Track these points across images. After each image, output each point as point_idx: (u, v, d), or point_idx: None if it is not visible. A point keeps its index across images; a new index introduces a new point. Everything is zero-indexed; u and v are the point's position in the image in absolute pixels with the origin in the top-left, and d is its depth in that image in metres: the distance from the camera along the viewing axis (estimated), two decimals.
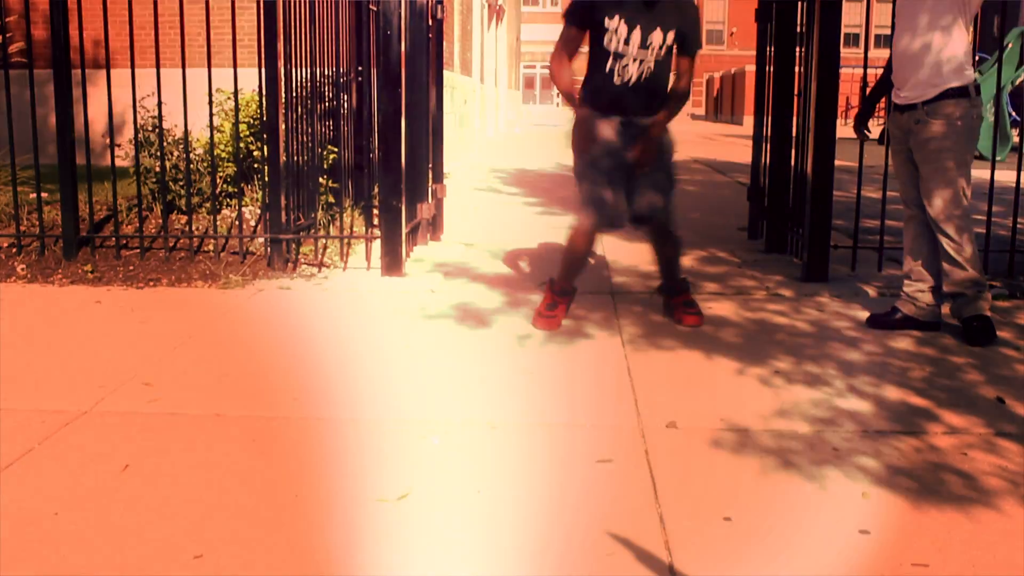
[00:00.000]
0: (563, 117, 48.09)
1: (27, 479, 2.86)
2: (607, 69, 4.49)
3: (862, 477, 2.92)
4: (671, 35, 4.46)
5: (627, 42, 4.43)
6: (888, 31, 6.11)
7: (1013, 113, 18.45)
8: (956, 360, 4.21)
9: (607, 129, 4.54)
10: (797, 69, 6.30)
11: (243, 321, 4.81)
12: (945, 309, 4.76)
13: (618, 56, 4.46)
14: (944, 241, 4.49)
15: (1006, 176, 7.02)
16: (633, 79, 4.49)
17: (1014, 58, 17.38)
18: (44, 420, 3.35)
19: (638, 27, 4.42)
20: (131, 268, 5.83)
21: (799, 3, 6.26)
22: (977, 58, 19.48)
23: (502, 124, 25.65)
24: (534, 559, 2.41)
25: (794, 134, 6.25)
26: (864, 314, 4.97)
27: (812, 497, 2.78)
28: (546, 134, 27.63)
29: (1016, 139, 18.00)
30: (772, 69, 6.67)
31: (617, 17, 4.42)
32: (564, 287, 4.80)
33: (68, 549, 2.43)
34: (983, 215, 5.81)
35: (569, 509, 2.68)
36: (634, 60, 4.46)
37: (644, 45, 4.44)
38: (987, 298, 4.56)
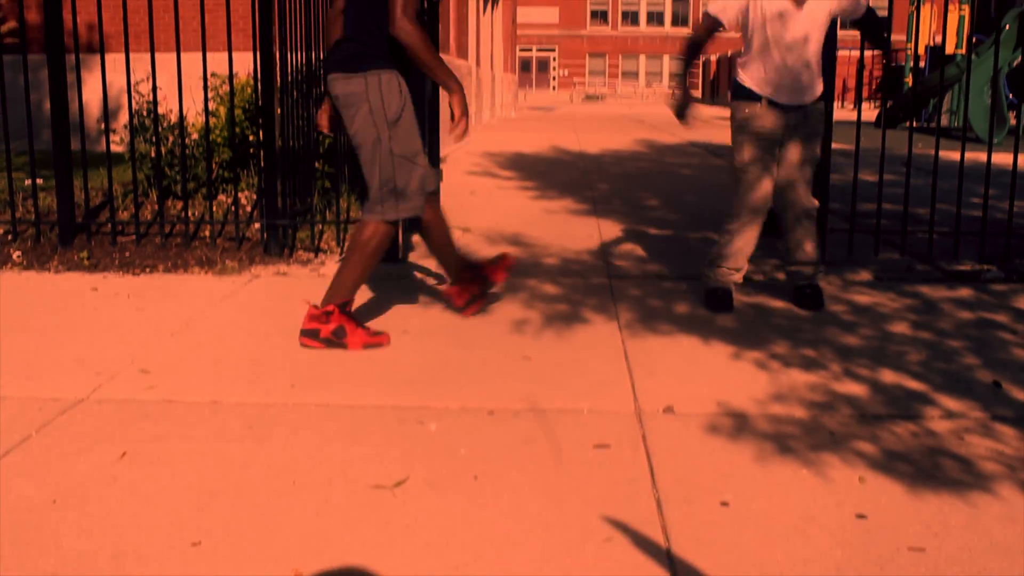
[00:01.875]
0: (558, 101, 48.05)
1: (24, 467, 2.86)
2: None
3: (859, 462, 2.92)
4: None
5: None
6: (885, 14, 6.10)
7: (1011, 95, 18.43)
8: (953, 344, 4.22)
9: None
10: None
11: (239, 307, 4.80)
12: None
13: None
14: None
15: (1003, 159, 7.02)
16: None
17: (1011, 40, 17.35)
18: (41, 407, 3.35)
19: None
20: (127, 254, 5.82)
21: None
22: (975, 39, 19.42)
23: (498, 108, 25.60)
24: (532, 545, 2.41)
25: None
26: (862, 299, 4.98)
27: (809, 481, 2.78)
28: (542, 118, 27.60)
29: (1013, 121, 17.98)
30: None
31: None
32: None
33: (66, 537, 2.43)
34: (980, 198, 5.81)
35: (567, 494, 2.69)
36: None
37: None
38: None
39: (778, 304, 4.89)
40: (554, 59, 57.48)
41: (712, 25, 4.63)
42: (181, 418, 3.28)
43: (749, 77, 4.62)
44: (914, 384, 3.67)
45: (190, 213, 6.31)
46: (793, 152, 4.64)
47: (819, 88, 4.67)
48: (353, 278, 4.10)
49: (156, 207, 6.41)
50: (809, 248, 4.74)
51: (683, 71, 4.80)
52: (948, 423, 3.28)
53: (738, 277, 4.79)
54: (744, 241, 4.70)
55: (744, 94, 4.63)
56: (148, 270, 5.55)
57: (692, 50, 4.75)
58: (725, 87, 41.17)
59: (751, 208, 4.63)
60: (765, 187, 4.61)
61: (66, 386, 3.58)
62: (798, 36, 4.49)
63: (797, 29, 4.48)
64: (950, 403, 3.47)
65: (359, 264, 4.08)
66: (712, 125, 16.70)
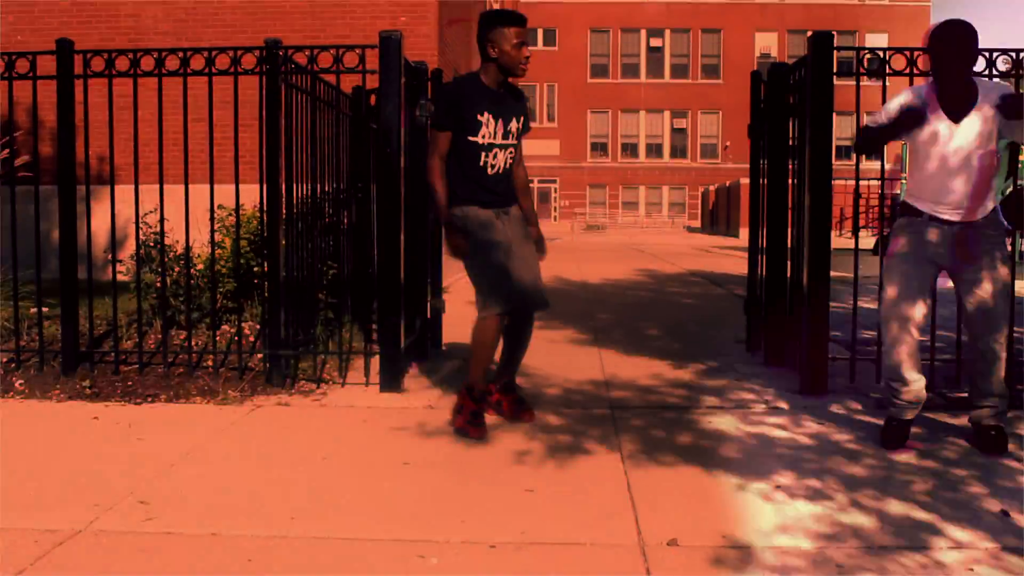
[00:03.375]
0: (560, 231, 48.55)
1: None
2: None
3: None
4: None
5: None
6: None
7: (1004, 222, 18.65)
8: (959, 472, 4.18)
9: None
10: (790, 181, 6.39)
11: (241, 438, 4.78)
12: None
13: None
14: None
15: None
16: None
17: (1003, 169, 17.65)
18: (37, 540, 3.31)
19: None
20: (129, 383, 5.83)
21: (790, 118, 6.39)
22: None
23: None
24: None
25: (789, 246, 6.31)
26: (864, 427, 4.96)
27: None
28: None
29: (1009, 248, 18.13)
30: (766, 182, 6.77)
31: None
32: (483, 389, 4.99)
33: None
34: None
35: None
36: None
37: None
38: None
39: (780, 434, 4.86)
40: (555, 190, 58.40)
41: None
42: (179, 551, 3.24)
43: None
44: (921, 514, 3.63)
45: (193, 343, 6.33)
46: None
47: None
48: None
49: (160, 336, 6.44)
50: None
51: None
52: (957, 554, 3.23)
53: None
54: None
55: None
56: (150, 399, 5.54)
57: None
58: (723, 216, 41.68)
59: None
60: None
61: (63, 517, 3.54)
62: None
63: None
64: (958, 533, 3.43)
65: None
66: (711, 254, 16.83)
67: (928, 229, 4.58)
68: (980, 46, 4.54)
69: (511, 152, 4.95)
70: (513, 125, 4.92)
